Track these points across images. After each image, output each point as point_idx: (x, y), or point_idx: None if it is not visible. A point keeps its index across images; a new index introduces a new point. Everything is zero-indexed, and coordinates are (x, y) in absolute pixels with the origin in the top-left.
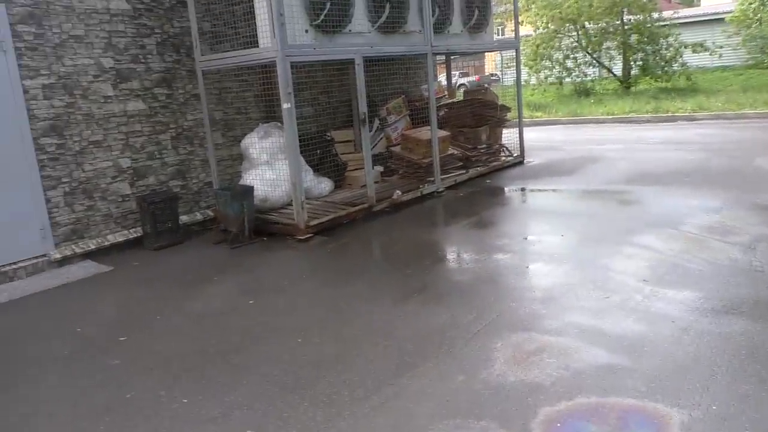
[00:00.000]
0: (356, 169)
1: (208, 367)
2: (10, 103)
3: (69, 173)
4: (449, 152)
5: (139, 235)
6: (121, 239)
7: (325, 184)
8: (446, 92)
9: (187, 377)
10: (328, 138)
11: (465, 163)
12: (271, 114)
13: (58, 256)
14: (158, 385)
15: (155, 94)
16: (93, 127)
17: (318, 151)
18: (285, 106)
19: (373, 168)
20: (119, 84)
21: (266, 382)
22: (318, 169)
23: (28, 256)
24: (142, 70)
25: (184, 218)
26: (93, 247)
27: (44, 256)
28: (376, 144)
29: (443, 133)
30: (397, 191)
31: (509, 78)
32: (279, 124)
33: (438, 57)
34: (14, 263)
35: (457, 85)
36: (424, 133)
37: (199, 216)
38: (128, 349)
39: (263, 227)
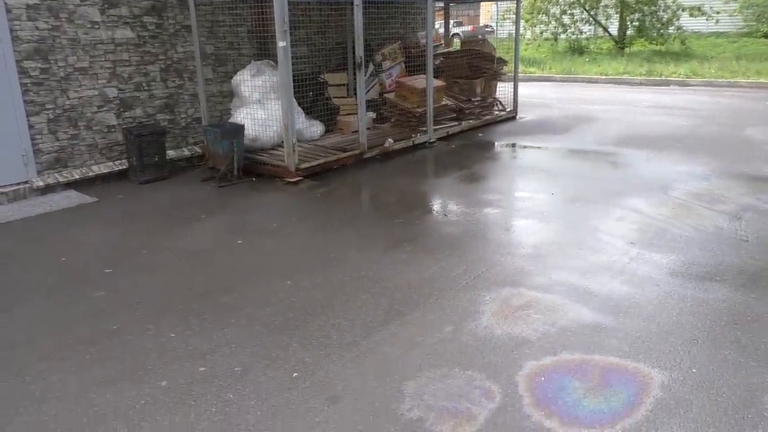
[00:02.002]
0: (348, 114)
1: (195, 305)
2: None
3: (53, 99)
4: (443, 103)
5: (124, 167)
6: (105, 171)
7: (316, 128)
8: (443, 41)
9: (173, 313)
10: (322, 80)
11: (458, 114)
12: (264, 51)
13: (40, 183)
14: (144, 319)
15: (144, 23)
16: (79, 53)
17: (311, 93)
18: (280, 44)
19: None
20: (107, 9)
21: (254, 322)
22: (310, 111)
23: (9, 181)
24: None
25: (170, 153)
26: (77, 176)
27: (26, 182)
28: (369, 89)
29: (438, 82)
30: (389, 139)
31: (504, 30)
32: (272, 62)
33: (437, 3)
34: None
35: (451, 34)
36: (419, 81)
37: (186, 152)
38: (113, 282)
39: (252, 167)
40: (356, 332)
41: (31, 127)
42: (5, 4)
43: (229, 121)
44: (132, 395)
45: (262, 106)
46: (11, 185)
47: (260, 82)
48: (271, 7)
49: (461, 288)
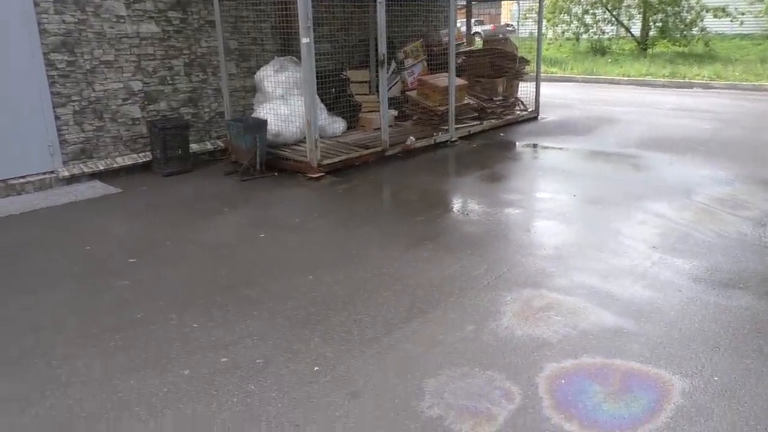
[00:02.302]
0: (370, 111)
1: (218, 297)
2: (21, 15)
3: (79, 92)
4: (465, 102)
5: (148, 159)
6: (129, 162)
7: (338, 124)
8: (464, 39)
9: (196, 304)
10: (344, 77)
11: (480, 114)
12: (287, 47)
13: (66, 173)
14: (168, 309)
15: (169, 18)
16: (104, 47)
17: (333, 90)
18: (304, 40)
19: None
20: (132, 4)
21: (277, 316)
22: (332, 108)
23: (36, 171)
24: None
25: (194, 147)
26: (102, 167)
27: (52, 172)
28: (391, 87)
29: (460, 81)
30: (411, 137)
31: (525, 30)
32: (295, 58)
33: (459, 2)
34: (22, 177)
35: (473, 32)
36: (441, 79)
37: (209, 146)
38: (137, 272)
39: (274, 162)
40: (378, 329)
41: (57, 118)
42: None
43: (252, 116)
44: (155, 383)
45: (285, 102)
46: (37, 174)
47: (283, 77)
48: (295, 3)
49: (483, 287)
